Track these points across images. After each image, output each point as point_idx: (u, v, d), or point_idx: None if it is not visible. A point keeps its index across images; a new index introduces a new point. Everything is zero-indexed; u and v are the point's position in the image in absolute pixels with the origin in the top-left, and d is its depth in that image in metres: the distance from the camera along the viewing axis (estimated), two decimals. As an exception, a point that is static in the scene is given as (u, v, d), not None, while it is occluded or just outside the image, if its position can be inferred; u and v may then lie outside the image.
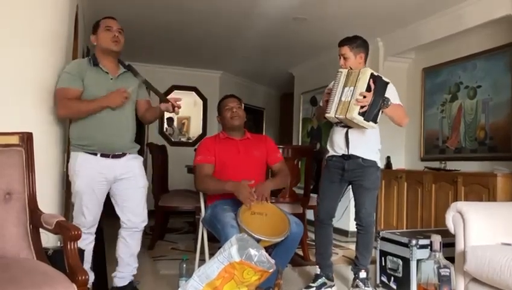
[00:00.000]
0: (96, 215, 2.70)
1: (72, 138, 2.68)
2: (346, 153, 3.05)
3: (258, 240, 2.45)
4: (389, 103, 2.87)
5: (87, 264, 2.68)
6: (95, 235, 2.75)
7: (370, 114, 2.80)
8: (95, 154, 2.63)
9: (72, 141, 2.68)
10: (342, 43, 3.06)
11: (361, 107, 2.77)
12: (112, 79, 2.68)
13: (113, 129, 2.64)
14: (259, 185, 2.83)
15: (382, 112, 2.88)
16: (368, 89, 2.78)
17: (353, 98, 2.80)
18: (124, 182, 2.72)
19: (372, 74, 2.82)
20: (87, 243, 2.66)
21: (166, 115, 7.51)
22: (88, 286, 2.60)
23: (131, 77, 2.74)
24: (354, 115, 2.77)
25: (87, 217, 2.65)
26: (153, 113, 2.87)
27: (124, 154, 2.71)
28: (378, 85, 2.82)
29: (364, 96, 2.76)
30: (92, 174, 2.62)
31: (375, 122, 2.86)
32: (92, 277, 2.71)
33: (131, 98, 2.73)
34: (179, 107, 2.63)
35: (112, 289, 2.86)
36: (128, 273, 2.84)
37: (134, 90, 2.72)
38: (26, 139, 2.19)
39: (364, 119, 2.79)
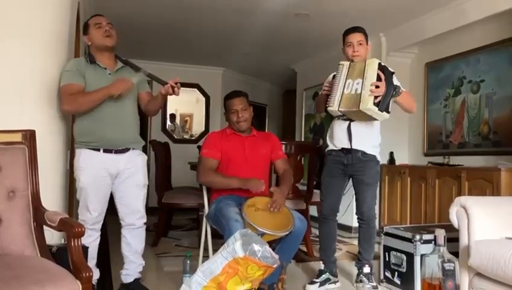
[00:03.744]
0: (101, 212, 2.70)
1: (76, 136, 2.70)
2: (348, 147, 3.04)
3: (262, 234, 2.45)
4: (400, 90, 2.85)
5: (93, 261, 2.68)
6: (100, 232, 2.75)
7: (384, 104, 2.75)
8: (98, 150, 2.64)
9: (76, 138, 2.70)
10: (356, 30, 3.01)
11: (375, 97, 2.73)
12: (110, 74, 2.69)
13: (113, 125, 2.63)
14: (276, 196, 2.79)
15: (393, 101, 2.86)
16: (378, 79, 2.75)
17: (364, 89, 2.75)
18: (124, 177, 2.72)
19: (379, 64, 2.80)
20: (92, 239, 2.67)
21: (169, 111, 7.53)
22: (93, 282, 2.61)
23: (130, 72, 2.72)
24: (369, 106, 2.72)
25: (93, 213, 2.65)
26: (156, 103, 2.81)
27: (127, 150, 2.71)
28: (386, 74, 2.78)
29: (377, 86, 2.73)
30: (96, 170, 2.63)
31: (388, 112, 2.81)
32: (97, 273, 2.71)
33: (133, 92, 2.72)
34: (179, 88, 2.61)
35: (120, 285, 2.88)
36: (133, 271, 2.85)
37: (136, 83, 2.69)
38: (29, 136, 2.19)
39: (378, 110, 2.75)
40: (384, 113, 2.79)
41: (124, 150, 2.70)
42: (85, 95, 2.57)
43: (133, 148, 2.74)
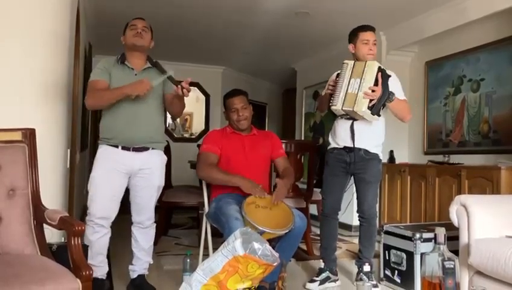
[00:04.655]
0: (108, 207, 2.69)
1: (100, 133, 2.77)
2: (351, 146, 3.04)
3: (262, 232, 2.45)
4: (393, 97, 2.88)
5: (101, 256, 2.71)
6: (110, 229, 2.75)
7: (376, 108, 2.82)
8: (117, 146, 2.69)
9: (100, 135, 2.77)
10: (371, 29, 2.99)
11: (370, 100, 2.79)
12: (136, 74, 2.73)
13: (132, 123, 2.67)
14: (277, 191, 2.81)
15: (386, 105, 2.90)
16: (376, 83, 2.79)
17: (360, 90, 2.80)
18: (140, 176, 2.75)
19: (379, 68, 2.83)
20: (99, 236, 2.68)
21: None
22: (102, 277, 2.70)
23: (156, 73, 2.74)
24: (364, 109, 2.80)
25: (99, 206, 2.66)
26: (175, 104, 2.82)
27: (145, 149, 2.74)
28: (383, 78, 2.82)
29: (373, 91, 2.78)
30: (111, 164, 2.67)
31: (379, 115, 2.89)
32: (106, 268, 2.77)
33: (157, 92, 2.75)
34: (188, 90, 2.64)
35: (129, 282, 2.92)
36: (139, 267, 2.88)
37: (159, 84, 2.71)
38: (29, 135, 2.19)
39: (371, 113, 2.82)
40: (376, 116, 2.86)
41: (142, 149, 2.73)
42: (104, 91, 2.66)
43: (152, 148, 2.77)
